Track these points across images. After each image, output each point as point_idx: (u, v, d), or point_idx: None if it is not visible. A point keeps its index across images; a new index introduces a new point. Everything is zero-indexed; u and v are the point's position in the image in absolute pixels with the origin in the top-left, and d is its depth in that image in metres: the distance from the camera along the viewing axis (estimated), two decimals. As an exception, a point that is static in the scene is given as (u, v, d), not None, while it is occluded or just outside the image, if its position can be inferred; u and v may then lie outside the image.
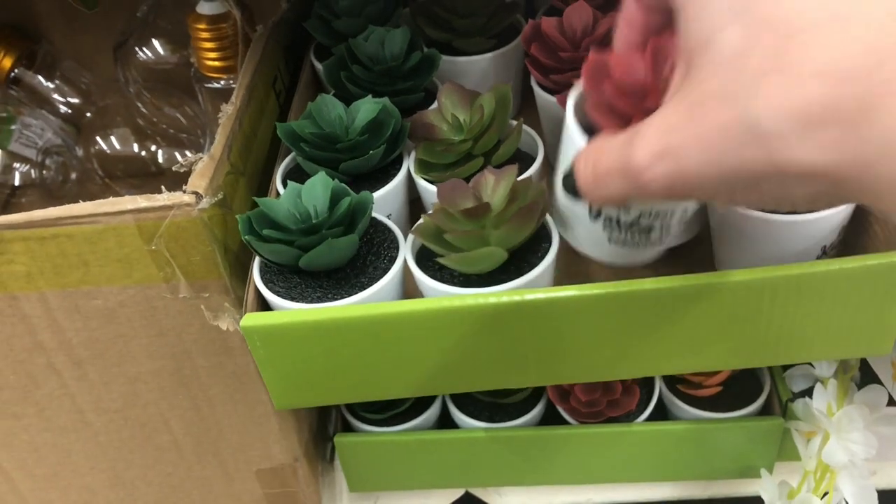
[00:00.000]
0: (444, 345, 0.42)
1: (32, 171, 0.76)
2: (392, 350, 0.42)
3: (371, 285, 0.42)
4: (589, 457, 0.59)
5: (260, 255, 0.43)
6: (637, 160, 0.28)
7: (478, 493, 0.63)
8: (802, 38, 0.24)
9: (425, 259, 0.44)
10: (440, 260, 0.41)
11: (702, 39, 0.27)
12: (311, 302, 0.42)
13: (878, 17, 0.23)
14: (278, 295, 0.42)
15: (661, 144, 0.27)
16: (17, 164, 0.76)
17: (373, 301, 0.42)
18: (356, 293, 0.42)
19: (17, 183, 0.76)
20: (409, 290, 0.46)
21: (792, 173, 0.25)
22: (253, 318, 0.41)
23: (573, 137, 0.36)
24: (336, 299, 0.41)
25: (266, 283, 0.43)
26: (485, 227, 0.40)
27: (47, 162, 0.77)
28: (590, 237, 0.41)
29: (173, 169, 0.68)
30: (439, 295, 0.42)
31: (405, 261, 0.44)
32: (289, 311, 0.41)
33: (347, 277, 0.43)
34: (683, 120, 0.27)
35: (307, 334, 0.41)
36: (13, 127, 0.74)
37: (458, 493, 0.64)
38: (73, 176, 0.78)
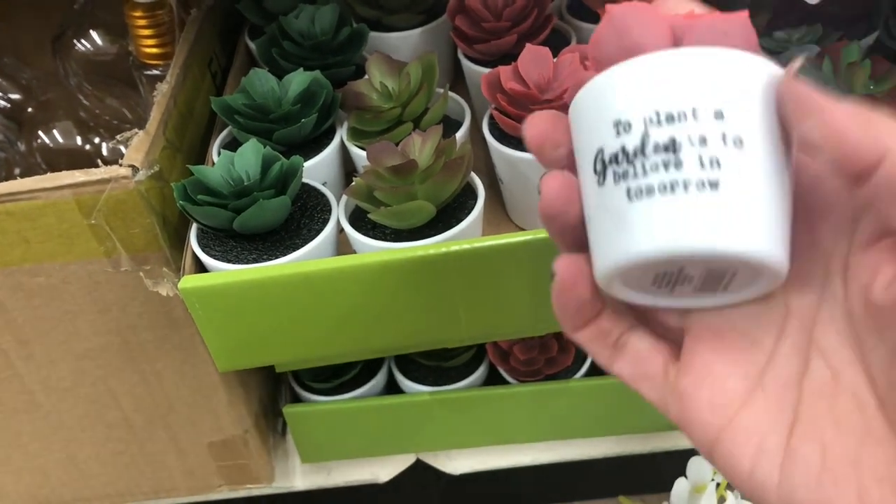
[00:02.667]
0: (377, 300, 0.43)
1: (-26, 169, 0.76)
2: (327, 307, 0.43)
3: (304, 246, 0.44)
4: (532, 415, 0.61)
5: (195, 220, 0.44)
6: None
7: (428, 458, 0.65)
8: None
9: (359, 220, 0.46)
10: (371, 216, 0.43)
11: None
12: (246, 264, 0.43)
13: None
14: (215, 258, 0.44)
15: None
16: (-42, 162, 0.76)
17: (307, 260, 0.43)
18: (290, 253, 0.43)
19: (-41, 180, 0.76)
20: (345, 253, 0.48)
21: None
22: (191, 280, 0.42)
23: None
24: (270, 260, 0.43)
25: (203, 247, 0.45)
26: (413, 183, 0.42)
27: (-11, 158, 0.77)
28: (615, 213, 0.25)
29: (109, 145, 0.69)
30: (371, 250, 0.43)
31: (338, 222, 0.46)
32: (225, 271, 0.43)
33: (282, 240, 0.45)
34: None
35: (244, 294, 0.42)
36: (-46, 124, 0.74)
37: (409, 459, 0.65)
38: (17, 171, 0.78)
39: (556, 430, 0.63)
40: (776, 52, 0.61)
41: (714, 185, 0.23)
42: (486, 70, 0.52)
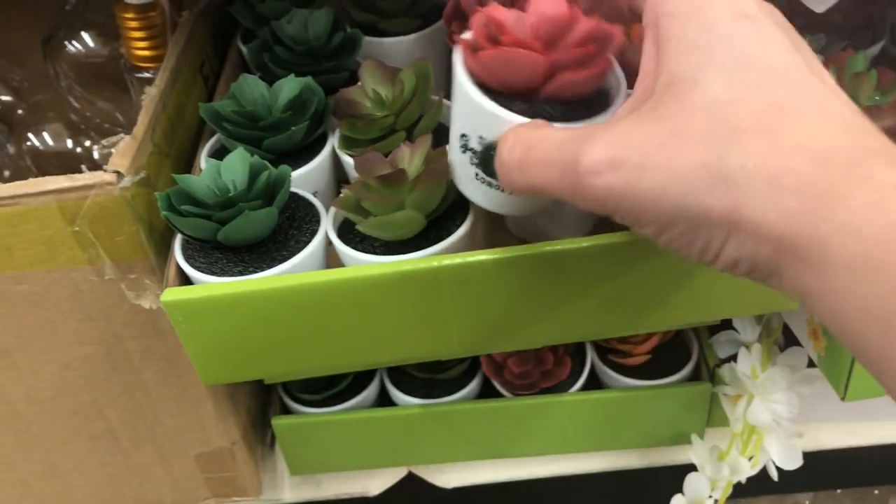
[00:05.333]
0: (364, 315, 0.42)
1: (-36, 171, 0.75)
2: (313, 321, 0.42)
3: (291, 258, 0.42)
4: (526, 429, 0.60)
5: (179, 231, 0.43)
6: (586, 161, 0.28)
7: (419, 471, 0.64)
8: (792, 116, 0.26)
9: (348, 232, 0.45)
10: (358, 227, 0.41)
11: (686, 78, 0.28)
12: (231, 276, 0.42)
13: (862, 124, 0.26)
14: (199, 270, 0.43)
15: (619, 155, 0.27)
16: (-54, 164, 0.75)
17: (293, 273, 0.42)
18: (276, 266, 0.42)
19: (-54, 183, 0.75)
20: (334, 266, 0.47)
21: (743, 229, 0.26)
22: (173, 293, 0.41)
23: (486, 108, 0.35)
24: (256, 273, 0.42)
25: (187, 259, 0.44)
26: (401, 192, 0.41)
27: (-22, 161, 0.76)
28: (467, 178, 0.39)
29: (95, 149, 0.68)
30: (360, 264, 0.42)
31: (326, 234, 0.44)
32: (209, 284, 0.41)
33: (268, 251, 0.43)
34: (653, 143, 0.27)
35: (228, 307, 0.41)
36: (-57, 126, 0.73)
37: (400, 472, 0.64)
38: (7, 174, 0.77)
39: (551, 445, 0.62)
40: (779, 61, 0.60)
41: None
42: (482, 77, 0.50)
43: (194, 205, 0.41)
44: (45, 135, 0.75)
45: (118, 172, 0.44)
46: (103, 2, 0.71)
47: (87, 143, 0.75)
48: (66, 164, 0.75)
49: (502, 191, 0.38)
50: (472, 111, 0.36)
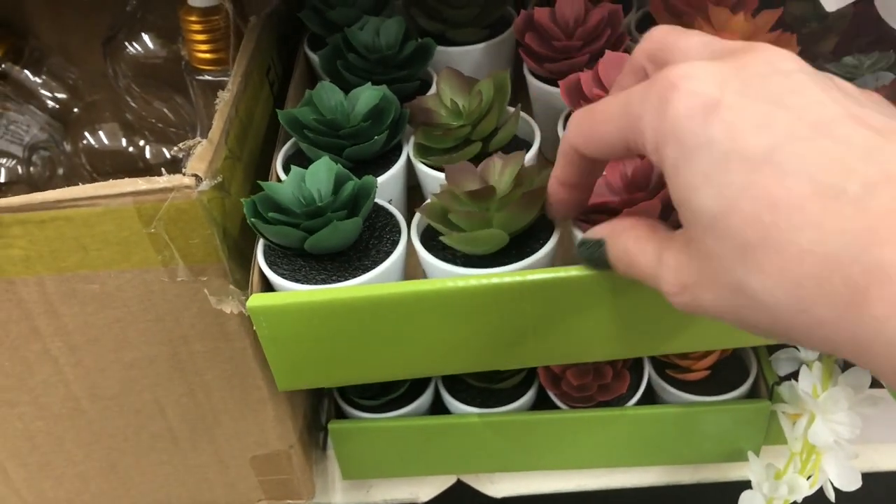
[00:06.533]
0: (446, 325, 0.42)
1: (19, 168, 0.76)
2: (396, 330, 0.42)
3: (374, 268, 0.42)
4: (580, 441, 0.60)
5: (265, 238, 0.43)
6: (665, 286, 0.31)
7: (469, 480, 0.64)
8: (787, 211, 0.24)
9: (430, 240, 0.45)
10: (442, 238, 0.41)
11: (685, 203, 0.28)
12: (315, 284, 0.42)
13: (861, 195, 0.23)
14: (283, 277, 0.43)
15: (679, 281, 0.30)
16: (2, 160, 0.75)
17: (376, 283, 0.42)
18: (360, 275, 0.42)
19: (2, 179, 0.75)
20: (411, 275, 0.47)
21: (797, 338, 0.26)
22: (260, 299, 0.41)
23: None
24: (340, 281, 0.42)
25: (270, 265, 0.44)
26: (488, 209, 0.41)
27: (34, 158, 0.77)
28: None
29: (170, 154, 0.68)
30: (442, 274, 0.42)
31: (407, 244, 0.45)
32: (295, 291, 0.42)
33: (351, 260, 0.44)
34: (693, 268, 0.29)
35: (314, 315, 0.41)
36: (-1, 123, 0.73)
37: (450, 480, 0.64)
38: (60, 171, 0.77)
39: (604, 458, 0.62)
40: (847, 78, 0.59)
41: None
42: (556, 89, 0.51)
43: (281, 212, 0.42)
44: (101, 134, 0.76)
45: (197, 176, 0.44)
46: (162, 4, 0.71)
47: (141, 143, 0.76)
48: (120, 163, 0.75)
49: None
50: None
